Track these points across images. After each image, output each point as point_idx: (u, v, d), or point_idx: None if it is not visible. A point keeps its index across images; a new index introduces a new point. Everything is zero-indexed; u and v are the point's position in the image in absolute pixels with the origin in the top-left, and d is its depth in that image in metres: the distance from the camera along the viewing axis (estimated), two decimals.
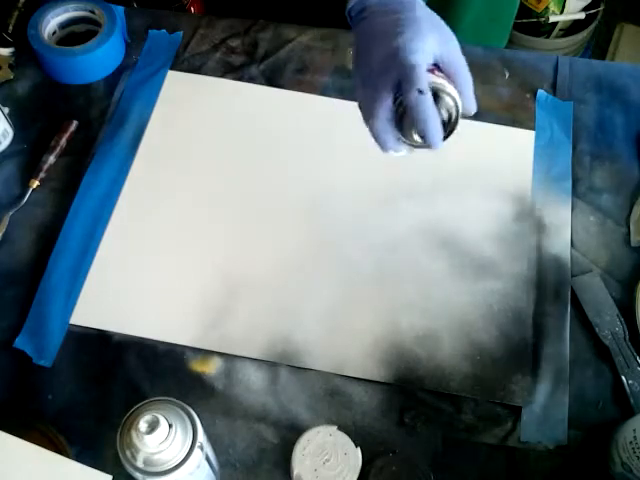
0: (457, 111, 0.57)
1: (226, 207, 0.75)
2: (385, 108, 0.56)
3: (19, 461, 0.53)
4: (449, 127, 0.57)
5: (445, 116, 0.56)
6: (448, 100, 0.56)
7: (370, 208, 0.75)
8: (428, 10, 0.60)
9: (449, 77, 0.57)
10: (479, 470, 0.63)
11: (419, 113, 0.54)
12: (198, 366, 0.67)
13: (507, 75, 0.86)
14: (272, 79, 0.85)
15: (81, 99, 0.82)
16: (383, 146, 0.58)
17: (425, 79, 0.54)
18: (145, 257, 0.72)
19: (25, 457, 0.53)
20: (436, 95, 0.55)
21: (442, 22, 0.60)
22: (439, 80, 0.56)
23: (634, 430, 0.58)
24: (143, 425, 0.47)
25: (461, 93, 0.57)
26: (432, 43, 0.56)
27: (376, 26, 0.59)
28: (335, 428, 0.59)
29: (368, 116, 0.58)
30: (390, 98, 0.56)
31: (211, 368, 0.66)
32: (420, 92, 0.54)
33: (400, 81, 0.55)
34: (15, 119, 0.80)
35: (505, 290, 0.71)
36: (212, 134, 0.80)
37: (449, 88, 0.56)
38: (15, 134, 0.79)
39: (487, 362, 0.67)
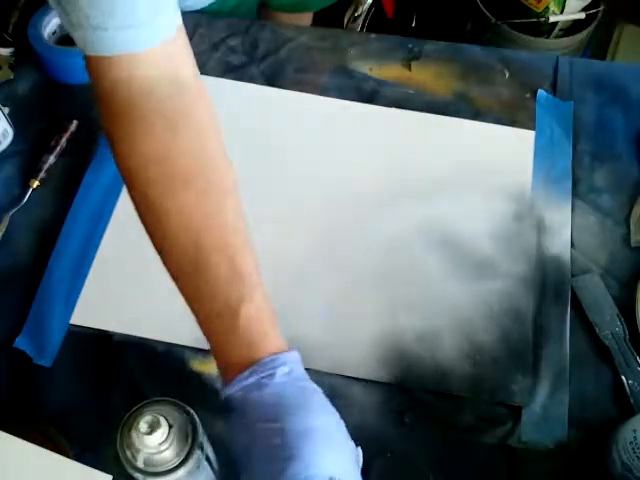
0: None
1: None
2: None
3: (19, 461, 0.53)
4: None
5: None
6: None
7: (370, 208, 0.75)
8: (323, 406, 0.50)
9: None
10: (479, 470, 0.63)
11: None
12: (198, 366, 0.67)
13: (507, 75, 0.86)
14: (272, 79, 0.85)
15: (81, 99, 0.82)
16: None
17: None
18: (145, 257, 0.71)
19: (25, 457, 0.53)
20: None
21: (337, 424, 0.50)
22: None
23: (634, 430, 0.58)
24: (143, 425, 0.47)
25: None
26: (328, 467, 0.46)
27: (257, 431, 0.47)
28: None
29: None
30: None
31: (211, 368, 0.66)
32: None
33: None
34: (15, 119, 0.80)
35: (505, 290, 0.71)
36: None
37: None
38: (15, 134, 0.79)
39: (487, 362, 0.67)
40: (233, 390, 0.49)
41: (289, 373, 0.49)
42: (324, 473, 0.45)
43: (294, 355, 0.50)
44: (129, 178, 0.54)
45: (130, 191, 0.54)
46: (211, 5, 0.92)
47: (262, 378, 0.48)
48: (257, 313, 0.51)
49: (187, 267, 0.51)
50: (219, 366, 0.51)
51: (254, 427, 0.47)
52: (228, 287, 0.50)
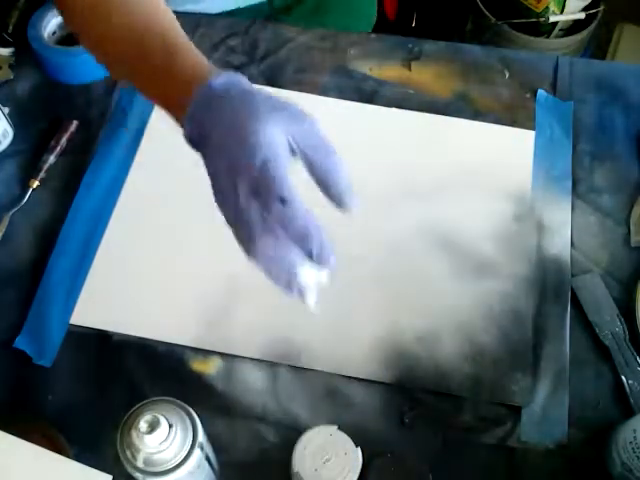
0: None
1: None
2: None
3: (19, 461, 0.53)
4: None
5: None
6: None
7: (370, 208, 0.75)
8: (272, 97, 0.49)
9: (310, 164, 0.46)
10: (479, 470, 0.63)
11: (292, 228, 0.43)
12: (198, 366, 0.67)
13: (507, 75, 0.86)
14: (272, 79, 0.85)
15: (81, 99, 0.82)
16: (277, 279, 0.45)
17: (286, 181, 0.43)
18: (145, 257, 0.72)
19: (25, 457, 0.53)
20: None
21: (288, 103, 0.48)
22: None
23: (634, 430, 0.58)
24: (143, 425, 0.47)
25: (328, 183, 0.46)
26: (278, 125, 0.45)
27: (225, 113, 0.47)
28: (335, 428, 0.59)
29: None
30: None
31: (211, 368, 0.67)
32: (282, 201, 0.42)
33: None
34: (15, 119, 0.80)
35: (505, 290, 0.71)
36: None
37: None
38: (15, 134, 0.79)
39: (487, 362, 0.67)
40: (195, 107, 0.49)
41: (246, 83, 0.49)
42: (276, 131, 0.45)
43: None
44: (67, 10, 0.60)
45: (70, 21, 0.61)
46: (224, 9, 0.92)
47: (227, 84, 0.48)
48: (191, 49, 0.52)
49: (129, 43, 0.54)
50: (174, 113, 0.53)
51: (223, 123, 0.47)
52: (161, 32, 0.53)
